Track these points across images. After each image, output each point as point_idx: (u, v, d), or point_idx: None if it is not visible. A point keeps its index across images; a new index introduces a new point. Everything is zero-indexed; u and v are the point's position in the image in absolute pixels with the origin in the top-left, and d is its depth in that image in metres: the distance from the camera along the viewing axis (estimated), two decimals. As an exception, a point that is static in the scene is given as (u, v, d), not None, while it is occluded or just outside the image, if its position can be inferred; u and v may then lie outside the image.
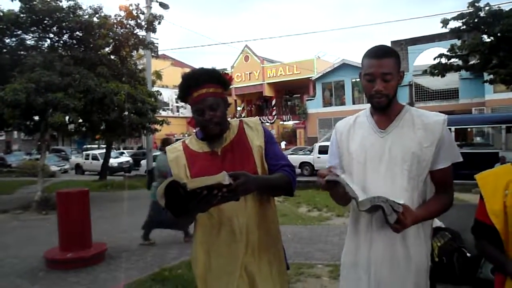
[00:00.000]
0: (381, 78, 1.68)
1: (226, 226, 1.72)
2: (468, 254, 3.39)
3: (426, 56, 25.57)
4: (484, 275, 3.01)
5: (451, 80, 22.83)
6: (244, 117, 31.82)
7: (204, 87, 1.71)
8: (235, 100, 32.66)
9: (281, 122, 31.86)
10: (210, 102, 1.70)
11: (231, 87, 2.43)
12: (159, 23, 10.69)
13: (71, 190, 5.63)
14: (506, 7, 9.48)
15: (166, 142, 5.92)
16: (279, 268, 1.83)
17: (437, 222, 3.49)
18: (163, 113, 24.28)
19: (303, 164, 17.14)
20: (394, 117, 1.77)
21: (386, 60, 1.69)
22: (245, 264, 1.72)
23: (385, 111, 1.75)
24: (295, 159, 16.56)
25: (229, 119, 1.91)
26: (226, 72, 1.94)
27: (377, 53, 1.72)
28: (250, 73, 30.95)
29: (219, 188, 1.42)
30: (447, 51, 10.77)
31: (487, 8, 9.38)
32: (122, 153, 25.10)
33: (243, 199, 1.64)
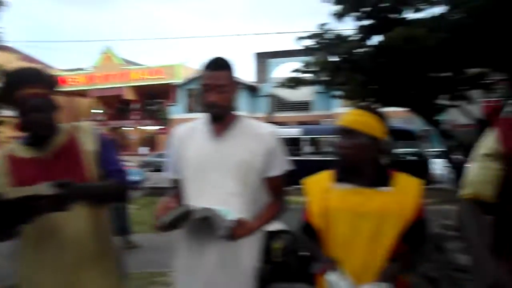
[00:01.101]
0: (216, 90, 1.77)
1: (54, 237, 1.63)
2: (303, 253, 3.74)
3: (286, 69, 27.44)
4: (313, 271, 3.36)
5: (306, 93, 24.86)
6: (103, 120, 30.03)
7: (29, 87, 1.61)
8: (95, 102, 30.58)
9: (143, 127, 30.79)
10: (35, 103, 1.60)
11: (91, 87, 2.31)
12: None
13: None
14: (345, 33, 10.76)
15: None
16: (114, 279, 1.80)
17: (278, 225, 3.80)
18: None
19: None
20: (229, 126, 1.87)
21: (221, 73, 1.78)
22: (77, 276, 1.65)
23: (221, 120, 1.85)
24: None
25: (81, 122, 1.81)
26: (54, 73, 1.84)
27: (213, 65, 1.80)
28: (110, 74, 29.12)
29: (41, 199, 1.35)
30: (302, 66, 11.76)
31: (332, 31, 10.50)
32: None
33: (76, 207, 1.57)
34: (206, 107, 1.82)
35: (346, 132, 1.71)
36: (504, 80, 10.85)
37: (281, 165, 1.90)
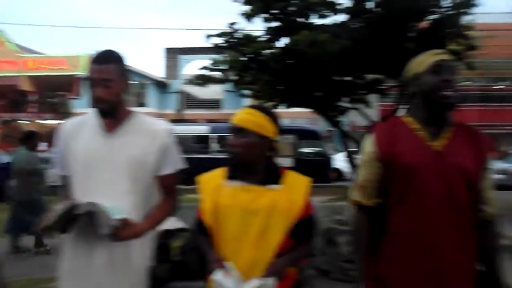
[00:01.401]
0: (102, 84, 1.68)
1: None
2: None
3: (196, 66, 27.21)
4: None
5: (216, 90, 24.91)
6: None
7: None
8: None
9: (42, 121, 28.49)
10: None
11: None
12: None
13: None
14: (255, 34, 10.92)
15: (30, 136, 5.68)
16: None
17: (179, 224, 3.75)
18: None
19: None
20: (122, 122, 1.79)
21: (108, 66, 1.70)
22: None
23: (111, 115, 1.76)
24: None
25: None
26: None
27: (99, 58, 1.71)
28: (4, 61, 26.41)
29: None
30: (211, 64, 11.71)
31: (242, 31, 10.60)
32: None
33: None
34: (92, 102, 1.72)
35: (237, 130, 1.73)
36: (396, 86, 11.84)
37: (175, 163, 1.88)
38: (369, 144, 1.73)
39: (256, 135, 1.71)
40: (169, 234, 3.20)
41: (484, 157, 1.64)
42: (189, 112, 27.66)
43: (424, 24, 9.77)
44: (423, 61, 1.70)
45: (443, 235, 1.56)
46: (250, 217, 1.67)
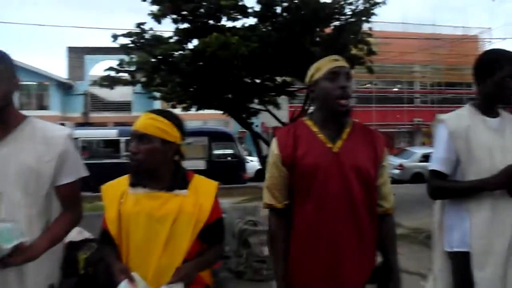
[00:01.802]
0: None
1: None
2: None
3: (103, 67, 26.00)
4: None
5: (126, 93, 23.99)
6: None
7: None
8: None
9: None
10: None
11: None
12: None
13: None
14: (166, 34, 10.72)
15: None
16: None
17: (85, 234, 3.53)
18: None
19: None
20: (12, 129, 1.63)
21: None
22: None
23: None
24: None
25: None
26: None
27: None
28: None
29: None
30: (117, 65, 11.23)
31: (151, 31, 10.31)
32: None
33: None
34: None
35: (138, 136, 1.67)
36: (304, 88, 12.37)
37: (75, 171, 1.75)
38: (273, 147, 1.77)
39: (159, 140, 1.66)
40: (73, 246, 2.99)
41: (379, 155, 1.74)
42: (97, 115, 26.29)
43: (328, 30, 10.34)
44: (320, 67, 1.76)
45: (342, 231, 1.65)
46: (157, 224, 1.63)
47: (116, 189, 1.74)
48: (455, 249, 1.96)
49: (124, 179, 1.77)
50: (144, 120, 1.70)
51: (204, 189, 1.75)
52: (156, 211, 1.65)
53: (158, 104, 23.71)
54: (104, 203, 1.73)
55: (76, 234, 3.16)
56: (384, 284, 1.75)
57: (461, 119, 2.01)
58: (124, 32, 10.32)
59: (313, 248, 1.68)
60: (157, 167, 1.69)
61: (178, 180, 1.72)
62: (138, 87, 13.48)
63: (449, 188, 2.02)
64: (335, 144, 1.71)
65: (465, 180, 1.95)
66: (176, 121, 1.74)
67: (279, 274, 1.71)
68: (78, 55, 27.64)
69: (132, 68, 11.06)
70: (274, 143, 1.77)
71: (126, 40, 10.39)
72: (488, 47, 33.56)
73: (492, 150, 1.92)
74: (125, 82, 11.41)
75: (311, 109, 1.85)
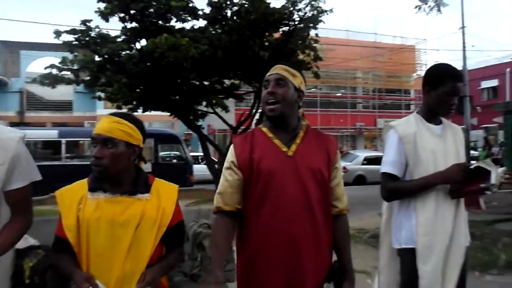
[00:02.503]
0: None
1: None
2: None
3: (42, 64, 24.74)
4: None
5: (66, 92, 22.94)
6: None
7: None
8: None
9: None
10: None
11: None
12: None
13: None
14: (113, 33, 10.41)
15: None
16: None
17: (30, 241, 3.35)
18: None
19: None
20: None
21: None
22: None
23: None
24: None
25: None
26: None
27: None
28: None
29: None
30: (59, 63, 10.75)
31: (97, 30, 9.97)
32: None
33: None
34: None
35: (103, 141, 1.63)
36: (252, 92, 12.50)
37: (27, 175, 1.68)
38: (230, 153, 1.81)
39: (123, 144, 1.64)
40: (20, 254, 2.83)
41: (331, 158, 1.82)
42: (34, 115, 24.93)
43: (277, 35, 10.53)
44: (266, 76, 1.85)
45: (299, 232, 1.70)
46: (120, 229, 1.60)
47: (73, 194, 1.68)
48: (403, 246, 2.13)
49: (81, 184, 1.71)
50: (107, 123, 1.65)
51: (165, 193, 1.74)
52: (118, 216, 1.61)
53: (101, 105, 22.89)
54: (60, 209, 1.66)
55: (21, 241, 2.99)
56: (339, 283, 1.82)
57: (409, 125, 2.19)
58: (68, 28, 9.91)
59: (271, 250, 1.71)
60: (121, 171, 1.65)
61: (140, 184, 1.70)
62: (81, 86, 12.94)
63: (403, 188, 2.17)
64: (290, 148, 1.77)
65: (416, 179, 2.12)
66: (139, 124, 1.72)
67: (219, 279, 1.67)
68: (12, 50, 26.10)
69: (76, 67, 10.63)
70: (231, 149, 1.82)
71: (69, 37, 9.97)
72: (423, 57, 35.71)
73: (436, 154, 2.12)
74: (68, 81, 10.92)
75: (259, 112, 1.92)
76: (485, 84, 33.21)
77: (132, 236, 1.61)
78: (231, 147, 1.82)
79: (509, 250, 5.49)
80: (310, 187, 1.73)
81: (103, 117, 1.70)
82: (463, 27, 21.34)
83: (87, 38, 9.88)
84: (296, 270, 1.71)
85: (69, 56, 10.83)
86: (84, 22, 9.77)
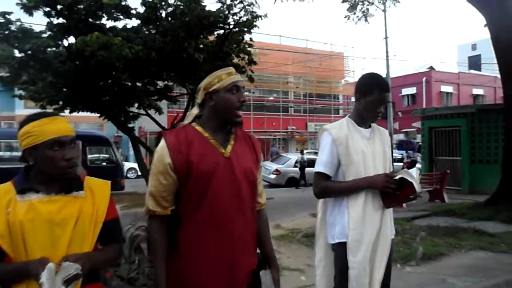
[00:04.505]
0: None
1: None
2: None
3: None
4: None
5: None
6: None
7: None
8: None
9: None
10: None
11: None
12: None
13: None
14: (37, 28, 9.81)
15: None
16: None
17: None
18: None
19: None
20: None
21: None
22: None
23: None
24: None
25: None
26: None
27: None
28: None
29: None
30: (-26, 58, 9.95)
31: (18, 23, 9.36)
32: None
33: None
34: None
35: (69, 142, 1.63)
36: (185, 94, 12.39)
37: None
38: (161, 154, 1.75)
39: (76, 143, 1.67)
40: None
41: (258, 158, 1.93)
42: None
43: (212, 37, 10.54)
44: (221, 78, 1.82)
45: (234, 231, 1.76)
46: (57, 228, 1.56)
47: (1, 198, 1.61)
48: (337, 240, 2.29)
49: (5, 187, 1.63)
50: (64, 124, 1.66)
51: (98, 189, 1.74)
52: (55, 216, 1.58)
53: (21, 104, 21.48)
54: None
55: None
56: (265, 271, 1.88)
57: (341, 128, 2.36)
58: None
59: (207, 249, 1.75)
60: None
61: (74, 182, 1.68)
62: (-1, 84, 12.05)
63: (334, 189, 2.37)
64: (226, 149, 1.82)
65: (346, 181, 2.32)
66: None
67: (161, 279, 1.70)
68: None
69: (-6, 62, 9.89)
70: (163, 149, 1.75)
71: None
72: (351, 63, 37.55)
73: (365, 155, 2.32)
74: (-16, 78, 10.13)
75: (192, 113, 1.91)
76: (406, 91, 35.76)
77: (70, 234, 1.59)
78: (164, 146, 1.75)
79: (425, 243, 5.97)
80: (244, 187, 1.80)
81: (51, 119, 1.63)
82: (386, 37, 22.89)
83: (6, 32, 9.23)
84: (235, 265, 1.76)
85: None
86: (3, 14, 9.12)
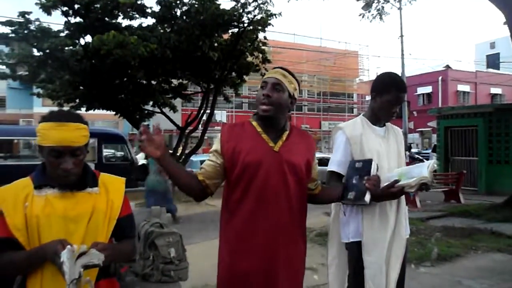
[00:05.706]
0: None
1: None
2: None
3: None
4: None
5: (0, 87, 21.63)
6: None
7: None
8: None
9: None
10: None
11: None
12: None
13: None
14: (55, 27, 9.98)
15: None
16: None
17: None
18: None
19: None
20: None
21: None
22: None
23: None
24: None
25: None
26: None
27: None
28: None
29: None
30: (-6, 57, 10.17)
31: (37, 23, 9.51)
32: None
33: None
34: None
35: (71, 152, 1.64)
36: (200, 92, 12.46)
37: None
38: (216, 140, 2.01)
39: (85, 147, 1.67)
40: None
41: (311, 155, 2.05)
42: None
43: (226, 36, 10.58)
44: (263, 78, 2.01)
45: (279, 219, 1.87)
46: (72, 224, 1.59)
47: (17, 193, 1.63)
48: (351, 240, 2.28)
49: (24, 182, 1.66)
50: (69, 133, 1.62)
51: (113, 186, 1.76)
52: (70, 211, 1.61)
53: (39, 102, 21.82)
54: (4, 209, 1.61)
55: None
56: None
57: (355, 127, 2.35)
58: (3, 19, 9.38)
59: (252, 237, 1.87)
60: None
61: (88, 178, 1.71)
62: (16, 82, 12.27)
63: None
64: (276, 144, 1.94)
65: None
66: (86, 121, 1.73)
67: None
68: None
69: (12, 61, 10.08)
70: (218, 137, 2.00)
71: (5, 29, 9.45)
72: (366, 62, 37.25)
73: (380, 154, 2.29)
74: (3, 76, 10.33)
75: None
76: (421, 90, 35.31)
77: (85, 230, 1.61)
78: (219, 135, 1.99)
79: (441, 244, 5.90)
80: (290, 181, 1.91)
81: (59, 124, 1.62)
82: (401, 36, 22.64)
83: (25, 31, 9.40)
84: (273, 257, 1.87)
85: (4, 49, 10.25)
86: (22, 14, 9.30)
